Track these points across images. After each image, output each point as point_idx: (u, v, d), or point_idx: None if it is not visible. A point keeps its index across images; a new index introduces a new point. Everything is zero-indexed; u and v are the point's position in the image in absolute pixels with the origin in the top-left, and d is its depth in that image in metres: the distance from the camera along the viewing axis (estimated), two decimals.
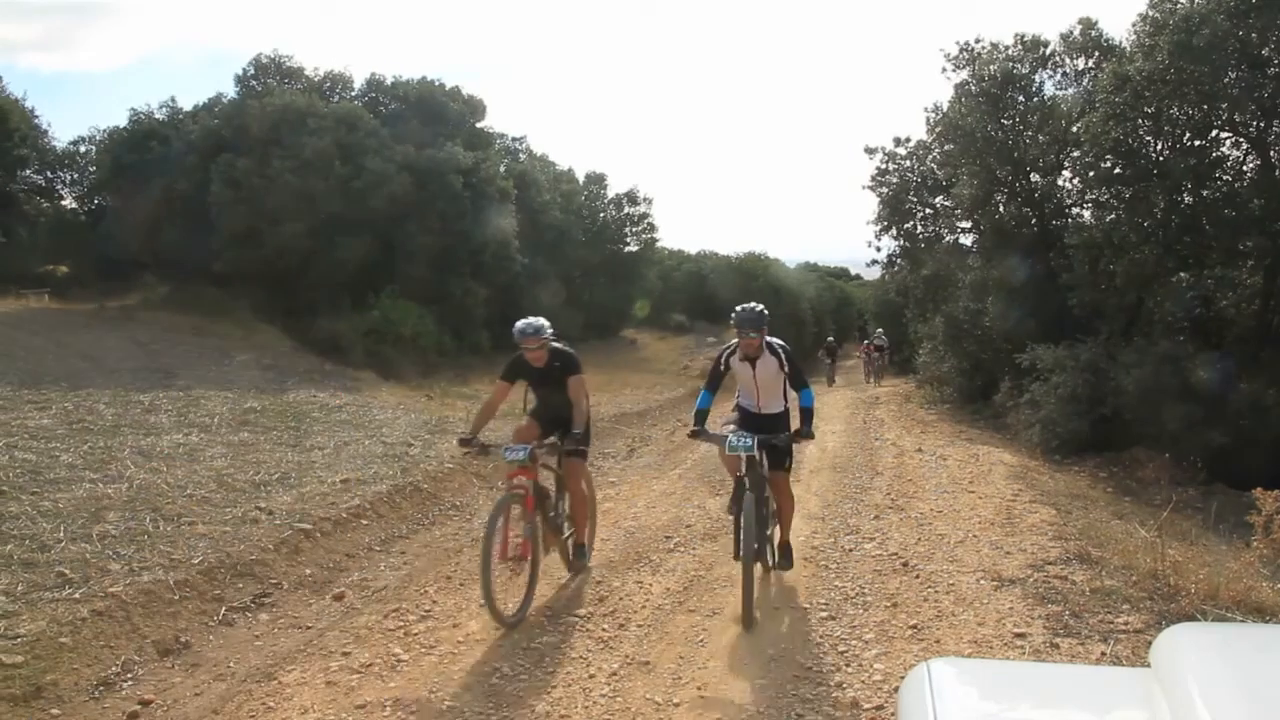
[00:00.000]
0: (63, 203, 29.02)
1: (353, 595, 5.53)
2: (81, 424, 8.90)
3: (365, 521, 6.88)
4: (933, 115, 19.51)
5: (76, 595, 4.66)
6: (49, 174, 28.49)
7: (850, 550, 6.54)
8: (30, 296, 22.52)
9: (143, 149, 24.38)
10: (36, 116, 27.63)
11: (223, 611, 5.06)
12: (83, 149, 28.41)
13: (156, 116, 25.93)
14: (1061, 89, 17.76)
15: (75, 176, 28.96)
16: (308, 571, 5.84)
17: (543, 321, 5.34)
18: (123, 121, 26.17)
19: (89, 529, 5.64)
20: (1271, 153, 14.37)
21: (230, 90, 26.67)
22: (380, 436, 9.75)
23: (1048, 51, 17.62)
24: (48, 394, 10.48)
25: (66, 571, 4.92)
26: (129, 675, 4.27)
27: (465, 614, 5.15)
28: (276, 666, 4.43)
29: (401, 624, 4.98)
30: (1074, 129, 16.35)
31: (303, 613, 5.22)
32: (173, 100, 26.41)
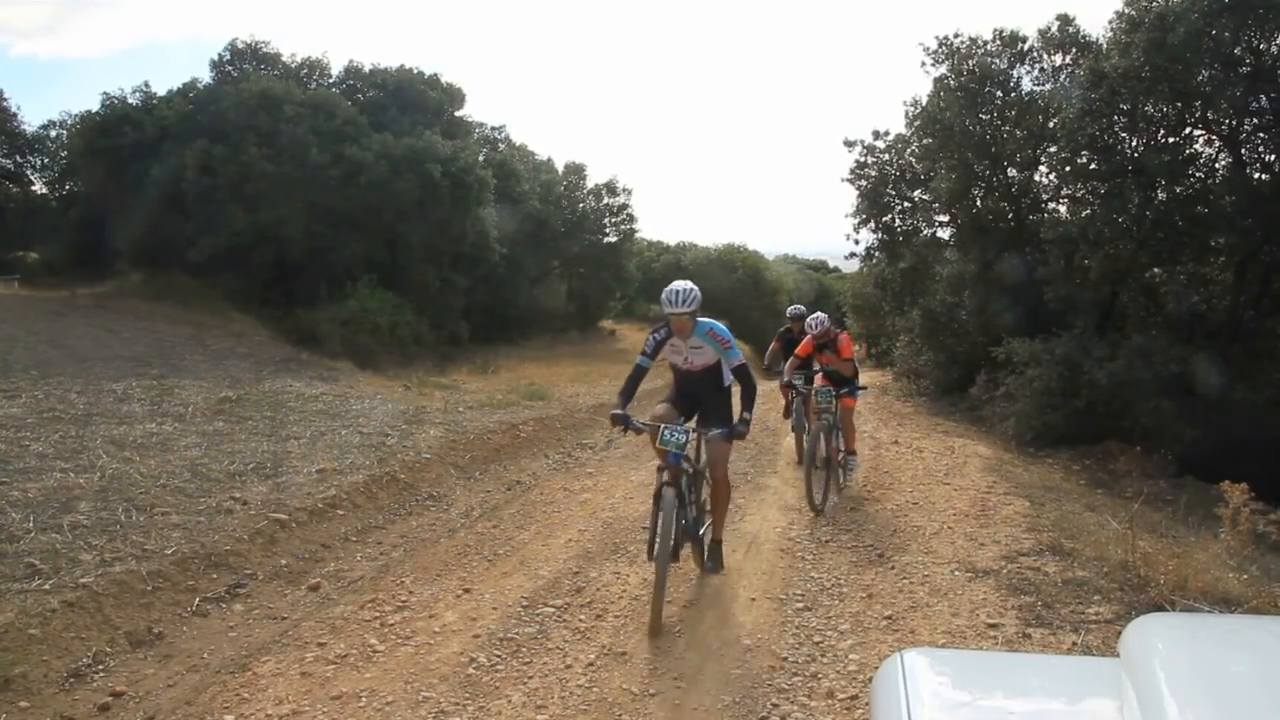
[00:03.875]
0: (33, 188, 28.53)
1: (328, 586, 5.50)
2: (52, 413, 8.78)
3: (341, 512, 6.84)
4: (911, 109, 19.57)
5: (46, 586, 4.61)
6: (18, 158, 27.97)
7: (826, 542, 6.59)
8: None
9: (115, 134, 23.96)
10: (5, 99, 27.19)
11: (196, 602, 5.02)
12: (53, 133, 27.96)
13: (130, 101, 25.51)
14: (1039, 84, 17.91)
15: (45, 161, 28.47)
16: (283, 562, 5.80)
17: None
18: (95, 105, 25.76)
19: (59, 519, 5.57)
20: (1243, 150, 14.57)
21: (206, 75, 26.35)
22: (357, 426, 9.68)
23: (1025, 47, 17.77)
24: (17, 382, 10.32)
25: (36, 562, 4.85)
26: (100, 666, 4.23)
27: (442, 604, 5.14)
28: (251, 657, 4.40)
29: (378, 615, 4.96)
30: (1051, 124, 16.50)
31: (278, 603, 5.19)
32: (146, 85, 25.99)
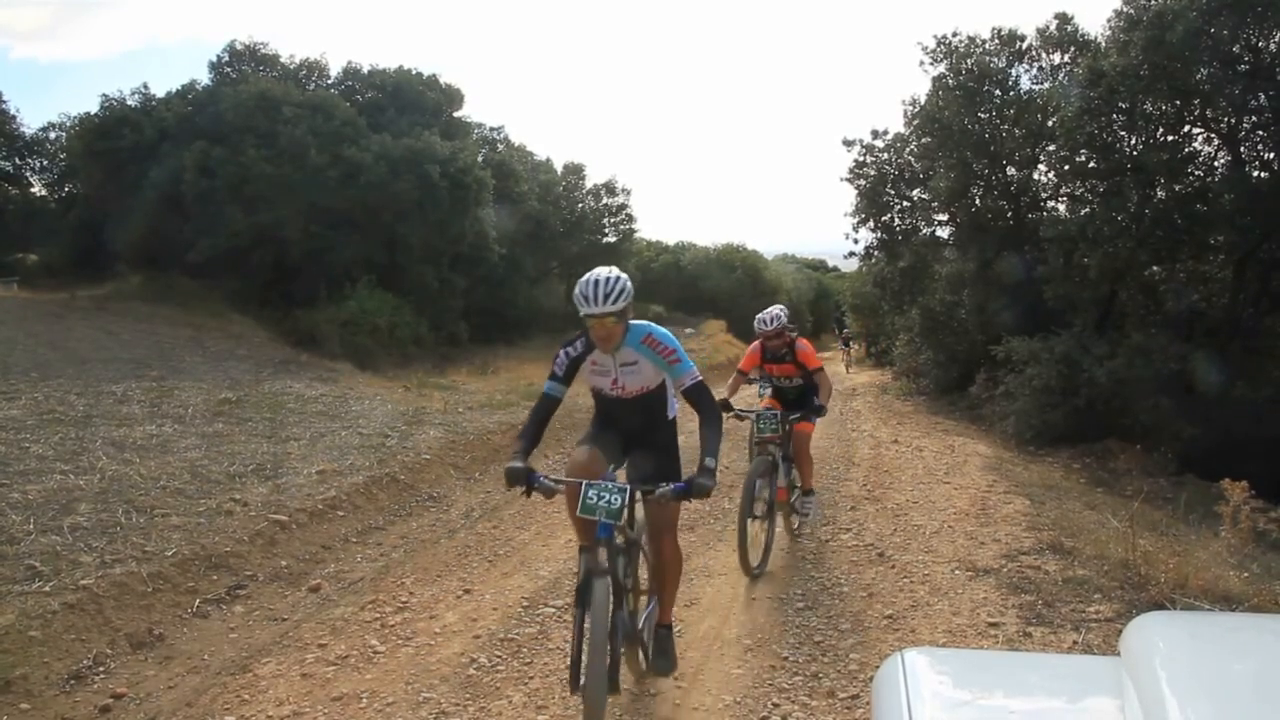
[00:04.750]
0: (32, 190, 28.52)
1: (329, 587, 5.50)
2: (52, 415, 8.77)
3: (341, 513, 6.84)
4: (910, 108, 19.58)
5: (47, 588, 4.60)
6: (17, 161, 27.96)
7: (827, 541, 6.59)
8: None
9: (114, 136, 23.92)
10: (5, 101, 27.23)
11: (197, 604, 5.01)
12: (52, 135, 27.96)
13: (129, 103, 25.47)
14: (1038, 83, 17.94)
15: (45, 163, 28.47)
16: (283, 563, 5.79)
17: None
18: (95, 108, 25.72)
19: (60, 521, 5.57)
20: (1242, 148, 14.58)
21: (204, 77, 26.33)
22: (357, 427, 9.68)
23: (1024, 46, 17.80)
24: (17, 385, 10.31)
25: (36, 564, 4.85)
26: (101, 668, 4.22)
27: (442, 605, 5.14)
28: (251, 659, 4.40)
29: (378, 616, 4.96)
30: (1049, 123, 16.50)
31: (278, 605, 5.19)
32: (145, 87, 25.94)
